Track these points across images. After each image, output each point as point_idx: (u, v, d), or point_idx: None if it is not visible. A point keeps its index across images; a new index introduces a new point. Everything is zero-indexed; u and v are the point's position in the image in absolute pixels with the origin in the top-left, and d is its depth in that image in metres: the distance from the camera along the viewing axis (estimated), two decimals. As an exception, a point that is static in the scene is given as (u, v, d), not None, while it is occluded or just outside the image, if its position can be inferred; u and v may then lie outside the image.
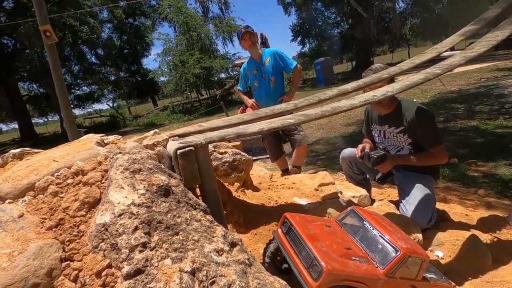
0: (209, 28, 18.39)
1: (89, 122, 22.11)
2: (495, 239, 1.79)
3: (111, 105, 23.92)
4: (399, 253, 0.84)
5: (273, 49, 3.06)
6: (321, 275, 0.74)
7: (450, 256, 1.62)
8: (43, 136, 20.14)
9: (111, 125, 18.73)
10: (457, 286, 1.40)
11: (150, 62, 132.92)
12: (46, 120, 24.54)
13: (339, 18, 25.37)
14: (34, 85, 20.15)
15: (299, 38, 27.14)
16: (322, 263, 0.75)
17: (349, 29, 22.79)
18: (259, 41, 3.24)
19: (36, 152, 1.25)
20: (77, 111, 24.02)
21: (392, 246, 0.86)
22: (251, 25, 3.06)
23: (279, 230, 0.97)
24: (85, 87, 22.34)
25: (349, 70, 24.34)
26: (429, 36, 24.69)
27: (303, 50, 28.64)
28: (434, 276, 1.04)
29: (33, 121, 20.74)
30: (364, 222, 0.97)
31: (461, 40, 2.19)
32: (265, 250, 1.04)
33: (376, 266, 0.85)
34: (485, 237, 1.78)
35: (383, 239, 0.89)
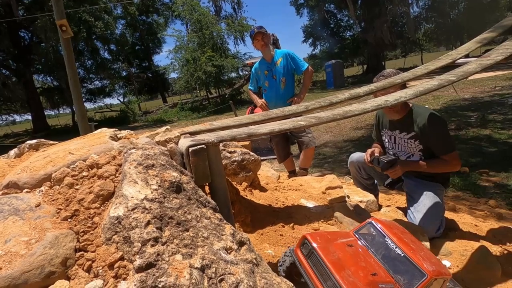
0: (221, 27, 18.49)
1: (100, 116, 22.46)
2: (505, 251, 1.75)
3: (121, 100, 24.24)
4: (425, 277, 0.79)
5: (285, 50, 3.07)
6: None
7: (458, 266, 1.59)
8: (55, 128, 20.57)
9: (121, 120, 18.99)
10: (464, 298, 1.37)
11: (162, 59, 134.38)
12: (58, 112, 25.01)
13: (351, 21, 25.18)
14: (48, 78, 20.59)
15: (310, 40, 27.05)
16: None
17: (361, 32, 22.59)
18: (271, 41, 3.24)
19: (51, 144, 1.28)
20: (88, 105, 24.46)
21: (418, 269, 0.81)
22: (263, 26, 3.07)
23: (299, 251, 0.91)
24: (97, 82, 22.74)
25: (360, 73, 24.13)
26: (443, 41, 24.30)
27: (314, 52, 28.55)
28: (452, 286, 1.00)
29: (45, 113, 21.19)
30: (386, 239, 0.90)
31: (478, 47, 2.16)
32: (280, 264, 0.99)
33: None
34: (495, 249, 1.75)
35: (408, 259, 0.84)
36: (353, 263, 0.83)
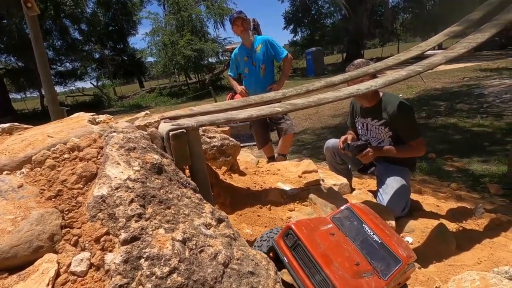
0: (200, 9, 17.91)
1: (72, 100, 21.34)
2: (461, 228, 1.94)
3: (95, 83, 23.07)
4: (400, 264, 0.84)
5: (265, 37, 3.07)
6: None
7: (419, 242, 1.75)
8: (22, 112, 19.34)
9: (95, 104, 18.18)
10: (422, 268, 1.53)
11: (138, 41, 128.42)
12: (24, 96, 23.43)
13: (332, 8, 25.23)
14: (12, 58, 19.10)
15: (291, 26, 26.88)
16: None
17: (342, 20, 22.75)
18: (251, 27, 3.23)
19: (26, 128, 1.26)
20: (58, 88, 22.97)
21: (394, 256, 0.86)
22: (244, 10, 3.05)
23: (282, 242, 0.89)
24: (68, 64, 21.39)
25: (340, 61, 24.44)
26: (419, 32, 25.00)
27: (294, 39, 28.46)
28: None
29: (10, 97, 19.76)
30: (364, 226, 0.94)
31: (445, 39, 2.29)
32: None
33: (379, 277, 0.84)
34: (452, 226, 1.93)
35: (384, 246, 0.88)
36: (337, 253, 0.85)
